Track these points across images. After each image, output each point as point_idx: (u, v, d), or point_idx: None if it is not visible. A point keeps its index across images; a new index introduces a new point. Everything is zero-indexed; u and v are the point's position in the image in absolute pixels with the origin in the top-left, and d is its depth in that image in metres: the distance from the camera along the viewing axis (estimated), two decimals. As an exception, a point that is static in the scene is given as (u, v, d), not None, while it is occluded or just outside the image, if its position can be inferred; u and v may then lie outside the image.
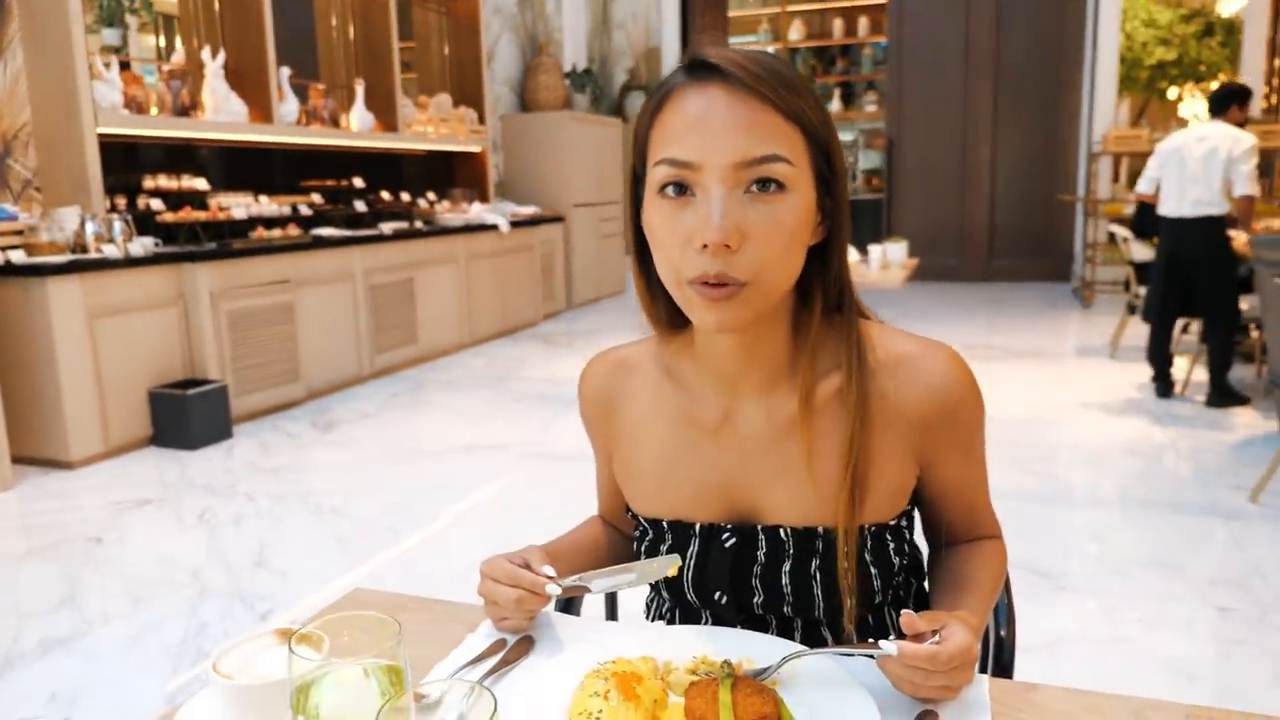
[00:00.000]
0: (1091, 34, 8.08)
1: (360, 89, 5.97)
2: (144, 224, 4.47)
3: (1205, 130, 4.44)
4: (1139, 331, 5.86)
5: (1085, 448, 3.90)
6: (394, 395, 5.12)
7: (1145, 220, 5.49)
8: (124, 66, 4.69)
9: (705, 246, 0.78)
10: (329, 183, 5.89)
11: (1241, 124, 4.45)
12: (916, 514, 1.01)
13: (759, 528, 0.93)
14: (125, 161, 4.60)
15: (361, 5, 6.22)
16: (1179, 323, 4.83)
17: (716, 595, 0.95)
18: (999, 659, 1.03)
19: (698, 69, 0.82)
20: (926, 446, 0.92)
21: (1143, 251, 5.36)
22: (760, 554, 0.93)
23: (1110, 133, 7.59)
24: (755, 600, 0.94)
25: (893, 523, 0.93)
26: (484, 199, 7.29)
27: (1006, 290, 8.56)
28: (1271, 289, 3.39)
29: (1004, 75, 8.81)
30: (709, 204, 0.79)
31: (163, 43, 5.11)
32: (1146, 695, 0.78)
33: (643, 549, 1.00)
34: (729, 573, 0.93)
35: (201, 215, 4.72)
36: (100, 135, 4.20)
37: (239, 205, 4.98)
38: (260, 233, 5.03)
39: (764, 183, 0.79)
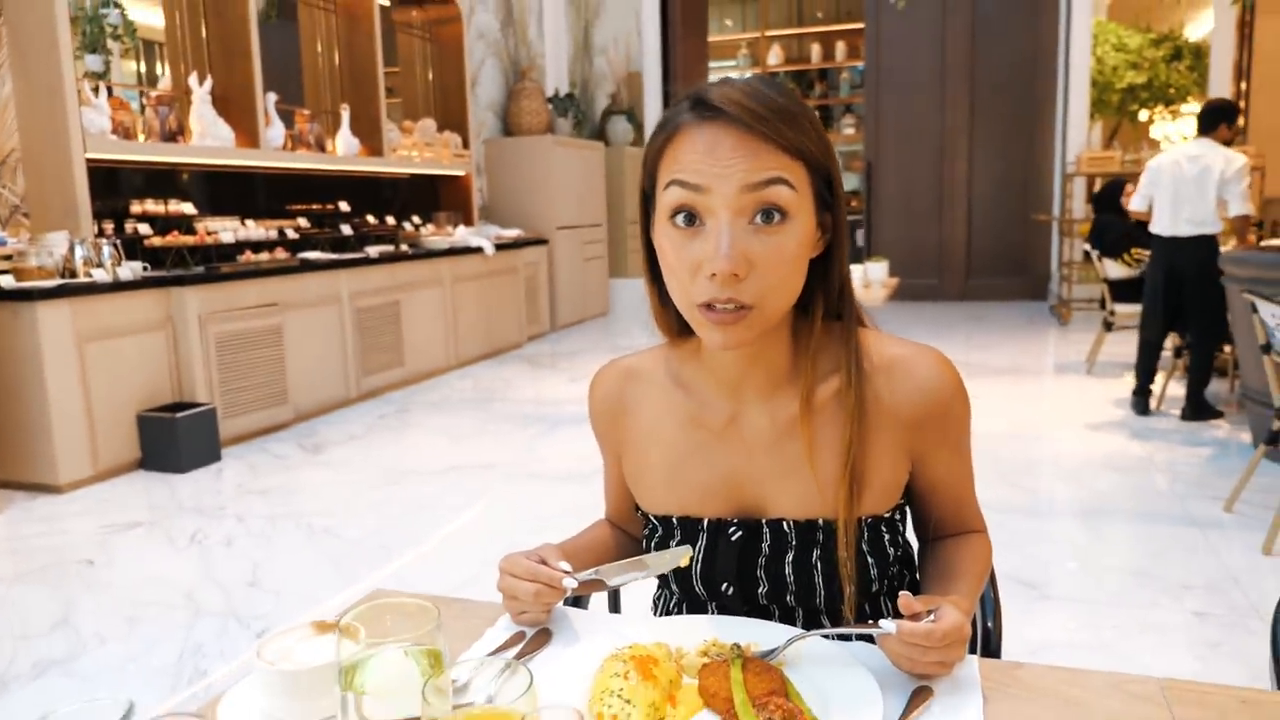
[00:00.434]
0: (1064, 58, 8.27)
1: (345, 114, 6.03)
2: (131, 248, 4.49)
3: (1196, 149, 4.46)
4: (1115, 348, 5.98)
5: (1065, 461, 3.98)
6: (381, 417, 5.15)
7: (1103, 236, 5.60)
8: (108, 93, 4.72)
9: (714, 275, 0.84)
10: (315, 207, 5.94)
11: (1229, 141, 4.49)
12: (908, 511, 1.07)
13: (763, 521, 0.99)
14: (113, 186, 4.63)
15: (346, 32, 6.29)
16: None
17: (724, 586, 1.01)
18: (986, 647, 1.09)
19: (702, 108, 0.87)
20: (918, 444, 0.98)
21: (1116, 269, 5.47)
22: (765, 546, 0.99)
23: (1083, 154, 7.75)
24: (760, 590, 1.00)
25: (887, 515, 1.00)
26: (468, 222, 7.35)
27: (985, 309, 8.69)
28: (1242, 304, 3.49)
29: (979, 99, 8.99)
30: (718, 235, 0.84)
31: (143, 69, 5.14)
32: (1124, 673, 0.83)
33: (653, 545, 1.06)
34: (735, 564, 0.99)
35: (189, 239, 4.75)
36: (88, 160, 4.24)
37: (226, 229, 5.02)
38: (248, 256, 5.06)
39: (768, 213, 0.85)
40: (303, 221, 5.66)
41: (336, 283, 5.29)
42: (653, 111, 9.03)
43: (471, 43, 7.56)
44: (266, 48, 5.23)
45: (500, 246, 6.94)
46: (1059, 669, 0.84)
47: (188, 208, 4.92)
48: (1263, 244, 4.95)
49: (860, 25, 9.83)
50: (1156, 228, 4.59)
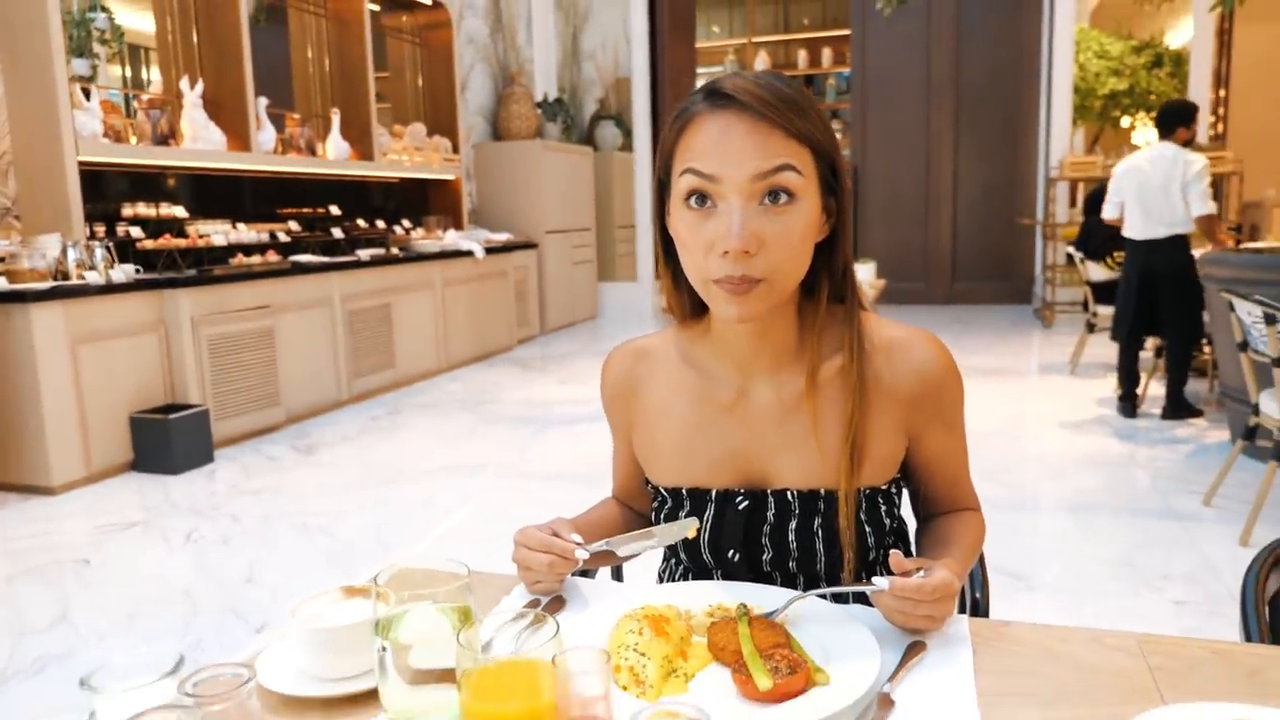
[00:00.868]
0: (1047, 65, 8.38)
1: (336, 118, 6.06)
2: (123, 251, 4.51)
3: (1155, 153, 4.54)
4: (1098, 350, 6.08)
5: (1049, 459, 4.05)
6: (373, 419, 5.18)
7: (1090, 240, 5.69)
8: (88, 95, 4.74)
9: (726, 253, 0.91)
10: (305, 210, 5.96)
11: (1189, 141, 4.56)
12: (905, 492, 1.13)
13: (768, 491, 1.05)
14: (104, 189, 4.65)
15: (336, 36, 6.33)
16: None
17: (730, 554, 1.06)
18: (975, 615, 1.15)
19: (716, 97, 0.94)
20: (914, 420, 1.05)
21: (1099, 272, 5.56)
22: (770, 515, 1.05)
23: (1066, 159, 7.86)
24: (764, 557, 1.06)
25: (884, 488, 1.06)
26: (458, 226, 7.39)
27: (970, 312, 8.79)
28: (1220, 304, 3.57)
29: (964, 104, 9.10)
30: (730, 216, 0.91)
31: (129, 73, 5.16)
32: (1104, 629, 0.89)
33: (662, 516, 1.11)
34: (742, 532, 1.05)
35: (181, 242, 4.77)
36: (80, 163, 4.26)
37: (217, 232, 5.04)
38: (239, 259, 5.08)
39: (775, 194, 0.92)
40: (294, 225, 5.69)
41: (328, 285, 5.32)
42: (641, 117, 9.09)
43: (461, 47, 7.60)
44: (257, 52, 5.26)
45: (490, 250, 6.98)
46: (1043, 626, 0.89)
47: (179, 211, 4.94)
48: (1241, 246, 5.04)
49: (846, 32, 9.92)
50: (1129, 232, 4.67)
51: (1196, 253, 4.55)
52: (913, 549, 1.16)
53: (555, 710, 0.63)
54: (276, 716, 0.78)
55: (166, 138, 4.85)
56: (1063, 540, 3.11)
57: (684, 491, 1.09)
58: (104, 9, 4.60)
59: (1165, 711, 0.71)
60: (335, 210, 6.15)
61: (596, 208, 8.98)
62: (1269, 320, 2.94)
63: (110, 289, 4.07)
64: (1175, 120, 4.54)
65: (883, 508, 1.06)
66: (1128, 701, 0.76)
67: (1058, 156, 8.19)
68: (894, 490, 1.09)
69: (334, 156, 6.02)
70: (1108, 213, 4.86)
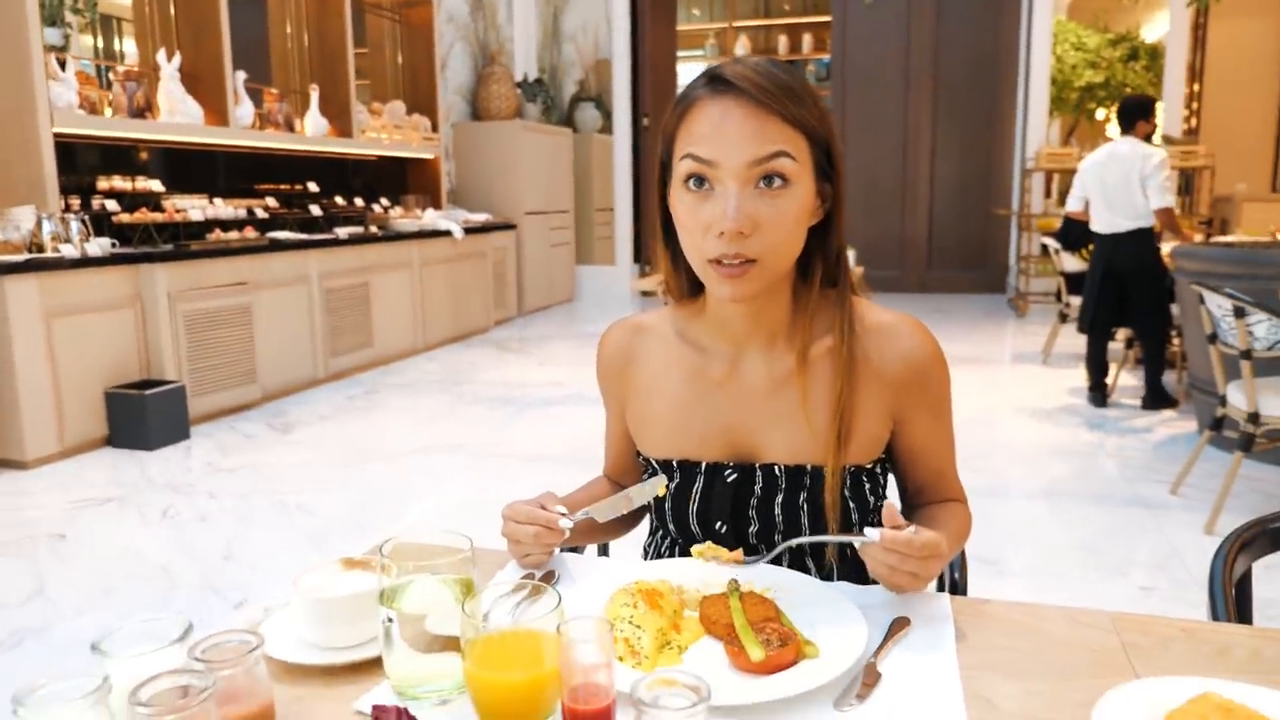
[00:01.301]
0: (1025, 56, 8.45)
1: (315, 94, 6.00)
2: (99, 225, 4.45)
3: (1115, 148, 4.64)
4: (1070, 340, 6.16)
5: (1021, 447, 4.12)
6: (350, 398, 5.16)
7: (1070, 234, 5.77)
8: (64, 66, 4.67)
9: (723, 234, 0.94)
10: (283, 187, 5.91)
11: (1149, 135, 4.64)
12: (890, 475, 1.16)
13: (757, 465, 1.09)
14: (79, 162, 4.59)
15: (316, 12, 6.26)
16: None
17: (718, 525, 1.10)
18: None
19: (716, 83, 0.97)
20: (900, 404, 1.08)
21: (1073, 263, 5.64)
22: (757, 488, 1.08)
23: (1042, 150, 7.93)
24: (751, 530, 1.09)
25: (869, 466, 1.09)
26: (437, 205, 7.35)
27: (945, 301, 8.87)
28: (1191, 297, 3.64)
29: (942, 94, 9.15)
30: (726, 199, 0.95)
31: (101, 44, 5.08)
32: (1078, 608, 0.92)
33: None
34: (730, 505, 1.09)
35: (158, 217, 4.72)
36: (55, 135, 4.20)
37: (194, 208, 4.99)
38: (216, 235, 5.04)
39: (770, 179, 0.95)
40: (271, 201, 5.64)
41: (306, 263, 5.29)
42: (621, 99, 9.07)
43: (441, 26, 7.54)
44: (235, 26, 5.20)
45: (469, 230, 6.95)
46: (1020, 604, 0.93)
47: (155, 185, 4.88)
48: (1212, 240, 5.13)
49: (827, 19, 9.94)
50: (1096, 226, 4.76)
51: (1165, 246, 4.63)
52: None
53: (558, 677, 0.66)
54: (279, 684, 0.79)
55: (143, 111, 4.79)
56: (1034, 527, 3.17)
57: (674, 463, 1.12)
58: (79, -24, 4.53)
59: (1138, 685, 0.75)
60: (313, 187, 6.10)
61: (575, 190, 8.96)
62: (1238, 313, 3.01)
63: (86, 263, 4.03)
64: (1135, 114, 4.63)
65: (867, 486, 1.09)
66: (1102, 675, 0.79)
67: (1034, 147, 8.27)
68: (879, 470, 1.12)
69: (312, 133, 5.97)
70: (1070, 206, 4.96)
